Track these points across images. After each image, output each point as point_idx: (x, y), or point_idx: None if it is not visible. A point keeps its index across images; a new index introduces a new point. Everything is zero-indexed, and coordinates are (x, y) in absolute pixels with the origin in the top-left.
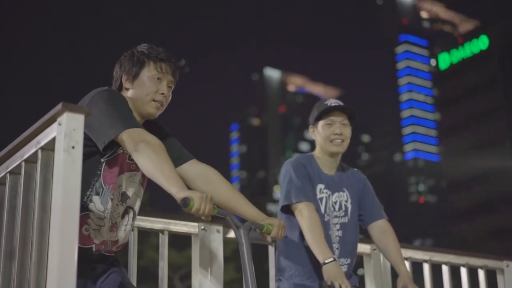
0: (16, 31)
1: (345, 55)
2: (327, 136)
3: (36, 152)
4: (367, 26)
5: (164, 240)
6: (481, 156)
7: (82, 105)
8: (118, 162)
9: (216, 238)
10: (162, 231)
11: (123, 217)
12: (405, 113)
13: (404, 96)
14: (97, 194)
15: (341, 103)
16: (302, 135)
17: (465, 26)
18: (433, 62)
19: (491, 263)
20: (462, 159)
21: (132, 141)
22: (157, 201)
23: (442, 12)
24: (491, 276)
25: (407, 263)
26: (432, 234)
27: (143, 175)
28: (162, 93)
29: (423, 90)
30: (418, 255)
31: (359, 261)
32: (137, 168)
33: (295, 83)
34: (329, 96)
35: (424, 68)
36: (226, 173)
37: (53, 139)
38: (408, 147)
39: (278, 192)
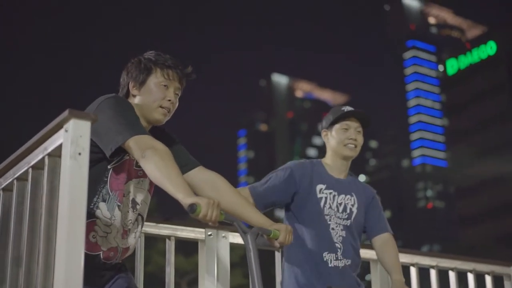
0: (17, 32)
1: (353, 60)
2: (341, 140)
3: (43, 158)
4: (374, 32)
5: (170, 246)
6: (489, 162)
7: (89, 112)
8: (125, 169)
9: (223, 244)
10: (169, 237)
11: (134, 224)
12: (413, 119)
13: (412, 102)
14: (104, 200)
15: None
16: (310, 140)
17: (473, 31)
18: (440, 67)
19: (498, 269)
20: (470, 164)
21: (139, 147)
22: (165, 207)
23: (449, 17)
24: (499, 282)
25: (413, 269)
26: (439, 240)
27: (151, 182)
28: (169, 100)
29: (430, 96)
30: (425, 261)
31: (366, 267)
32: (144, 175)
33: (303, 89)
34: (337, 101)
35: (431, 73)
36: (233, 178)
37: (60, 146)
38: (416, 153)
39: None
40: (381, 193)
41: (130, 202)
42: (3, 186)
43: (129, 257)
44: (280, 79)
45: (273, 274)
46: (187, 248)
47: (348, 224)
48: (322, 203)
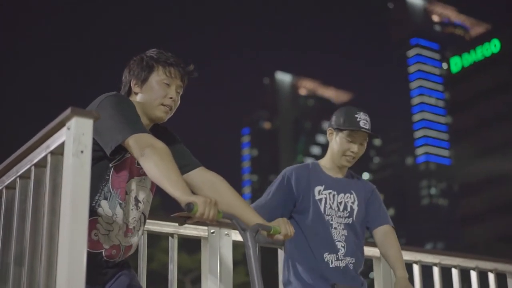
0: (18, 31)
1: (356, 58)
2: (343, 150)
3: (45, 156)
4: (378, 29)
5: (173, 244)
6: (492, 160)
7: (90, 110)
8: (127, 167)
9: (226, 241)
10: (172, 234)
11: (138, 222)
12: (417, 117)
13: (416, 100)
14: (105, 198)
15: (368, 121)
16: (314, 139)
17: (477, 29)
18: (444, 65)
19: (501, 267)
20: (473, 162)
21: (138, 146)
22: (168, 205)
23: (453, 15)
24: (502, 280)
25: (416, 267)
26: (443, 238)
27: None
28: (171, 97)
29: (434, 94)
30: (428, 258)
31: (369, 265)
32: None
33: (306, 87)
34: (340, 99)
35: (435, 71)
36: (237, 176)
37: (62, 144)
38: (420, 151)
39: None
40: (384, 191)
41: (133, 200)
42: (6, 184)
43: (132, 255)
44: (284, 77)
45: (276, 272)
46: (191, 246)
47: (350, 222)
48: (322, 204)
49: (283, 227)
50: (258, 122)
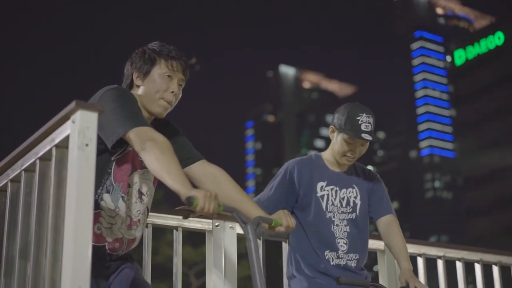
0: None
1: (360, 52)
2: (343, 151)
3: (50, 149)
4: (382, 22)
5: (178, 237)
6: (497, 152)
7: (95, 103)
8: (129, 160)
9: (230, 234)
10: (176, 227)
11: (143, 215)
12: (421, 110)
13: (420, 93)
14: (108, 192)
15: (371, 122)
16: (317, 132)
17: (481, 22)
18: (448, 58)
19: (505, 259)
20: (478, 155)
21: (139, 139)
22: (172, 198)
23: (457, 8)
24: (506, 272)
25: (420, 259)
26: (447, 231)
27: None
28: (172, 92)
29: (438, 87)
30: (432, 251)
31: (373, 258)
32: None
33: (310, 80)
34: (344, 92)
35: (439, 64)
36: (241, 170)
37: (67, 137)
38: (424, 144)
39: None
40: (388, 184)
41: (137, 193)
42: (11, 177)
43: (136, 248)
44: (288, 71)
45: (280, 265)
46: (195, 239)
47: (354, 217)
48: (324, 201)
49: (284, 219)
50: (262, 116)
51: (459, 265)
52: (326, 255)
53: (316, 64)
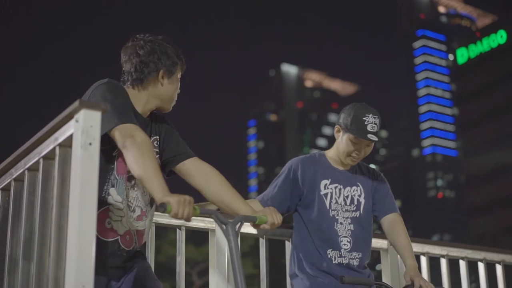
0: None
1: (362, 50)
2: (348, 151)
3: (54, 149)
4: (384, 21)
5: (181, 236)
6: (499, 151)
7: (85, 99)
8: None
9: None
10: (179, 226)
11: (152, 205)
12: (423, 108)
13: (422, 91)
14: (113, 186)
15: (377, 123)
16: (320, 130)
17: (483, 20)
18: (451, 56)
19: (508, 258)
20: (480, 154)
21: (121, 137)
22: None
23: (460, 6)
24: (509, 271)
25: (424, 258)
26: (450, 229)
27: None
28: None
29: (441, 85)
30: (436, 250)
31: (377, 256)
32: None
33: (312, 79)
34: (346, 91)
35: (442, 63)
36: (243, 169)
37: (71, 136)
38: (426, 142)
39: None
40: (391, 182)
41: (140, 184)
42: (14, 176)
43: (143, 245)
44: (290, 69)
45: (283, 264)
46: (198, 238)
47: (358, 216)
48: (327, 199)
49: (270, 216)
50: (264, 114)
51: (462, 264)
52: (329, 253)
53: (319, 63)
